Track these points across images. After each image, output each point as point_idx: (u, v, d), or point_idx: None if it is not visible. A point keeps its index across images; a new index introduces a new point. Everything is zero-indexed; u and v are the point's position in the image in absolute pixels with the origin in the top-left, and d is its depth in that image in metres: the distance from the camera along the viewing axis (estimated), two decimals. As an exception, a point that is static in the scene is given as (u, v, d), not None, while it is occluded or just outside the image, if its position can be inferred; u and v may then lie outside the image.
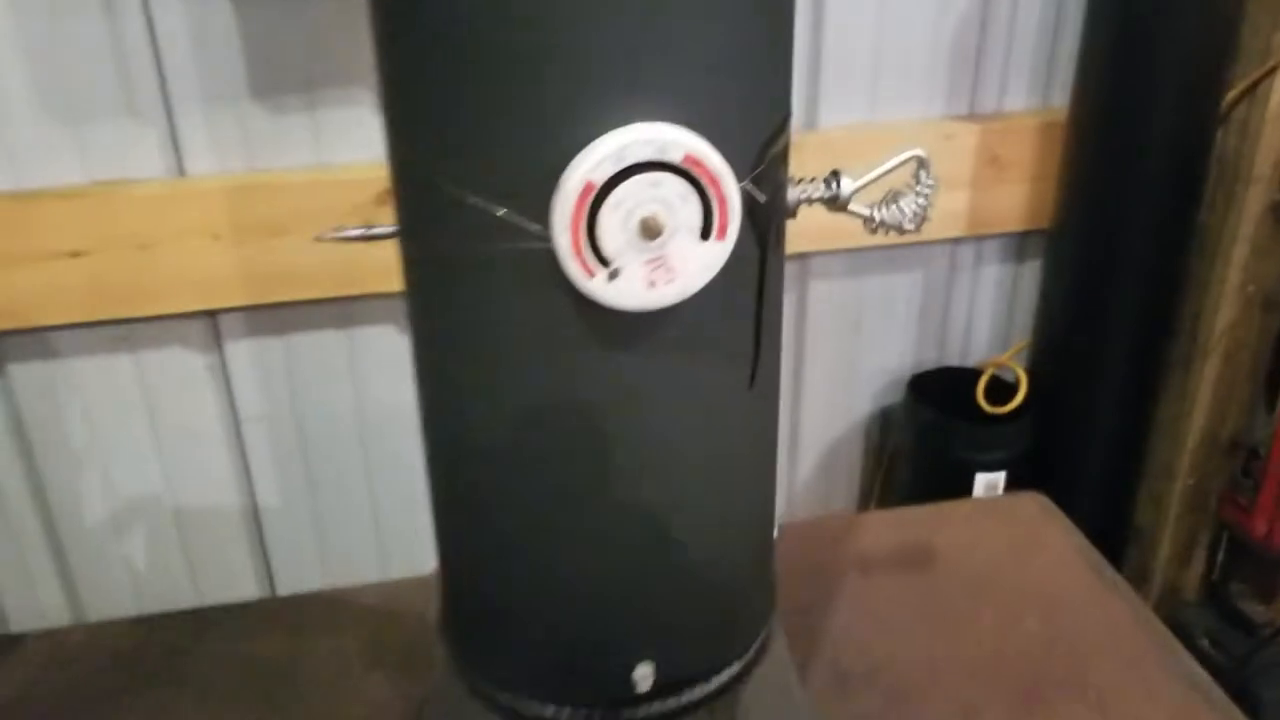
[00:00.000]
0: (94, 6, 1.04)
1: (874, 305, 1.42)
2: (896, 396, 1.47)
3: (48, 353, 1.18)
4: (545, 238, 0.40)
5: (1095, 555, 0.83)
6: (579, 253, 0.40)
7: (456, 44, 0.39)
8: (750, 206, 0.43)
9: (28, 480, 1.24)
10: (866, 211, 0.51)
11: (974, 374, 1.42)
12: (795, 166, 0.49)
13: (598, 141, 0.39)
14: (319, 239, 0.49)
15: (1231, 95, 1.25)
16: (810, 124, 1.28)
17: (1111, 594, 0.82)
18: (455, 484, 0.50)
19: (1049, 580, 0.83)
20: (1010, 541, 0.84)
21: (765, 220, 0.44)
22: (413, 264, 0.46)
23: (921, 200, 0.50)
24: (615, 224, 0.40)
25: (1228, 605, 1.47)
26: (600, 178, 0.39)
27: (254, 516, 1.32)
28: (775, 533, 0.57)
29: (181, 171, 1.13)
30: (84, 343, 1.19)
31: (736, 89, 0.42)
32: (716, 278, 0.42)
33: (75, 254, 1.11)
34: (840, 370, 1.45)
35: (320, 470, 1.32)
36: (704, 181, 0.40)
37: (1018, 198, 1.36)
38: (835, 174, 0.50)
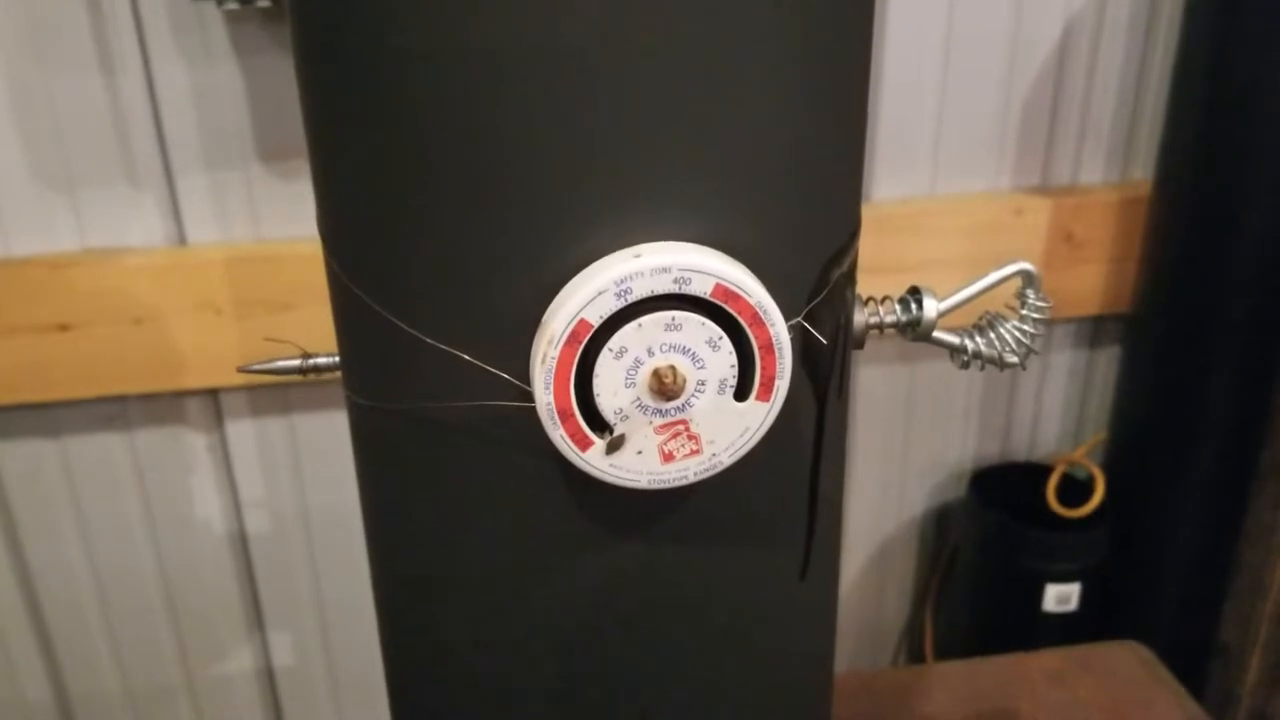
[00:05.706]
0: (90, 63, 0.98)
1: (929, 393, 1.30)
2: (955, 493, 1.35)
3: (34, 430, 1.12)
4: (524, 394, 0.29)
5: (1208, 725, 0.70)
6: (568, 415, 0.29)
7: (399, 130, 0.28)
8: (806, 349, 0.32)
9: (13, 566, 1.17)
10: (956, 340, 0.39)
11: (1042, 471, 1.30)
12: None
13: (594, 267, 0.28)
14: (242, 370, 0.38)
15: (1337, 172, 1.12)
16: (863, 196, 1.17)
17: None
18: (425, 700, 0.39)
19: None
20: (1109, 709, 0.71)
21: (826, 364, 0.33)
22: (358, 413, 0.34)
23: (1027, 327, 0.39)
24: (617, 378, 0.29)
25: (1324, 735, 1.33)
26: (597, 316, 0.28)
27: (255, 607, 1.24)
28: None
29: (182, 240, 1.07)
30: (74, 420, 1.12)
31: (787, 193, 0.30)
32: (758, 445, 0.31)
33: (64, 327, 1.05)
34: (892, 464, 1.33)
35: (326, 560, 1.23)
36: (741, 321, 0.29)
37: (1093, 279, 1.24)
38: (915, 292, 0.38)
